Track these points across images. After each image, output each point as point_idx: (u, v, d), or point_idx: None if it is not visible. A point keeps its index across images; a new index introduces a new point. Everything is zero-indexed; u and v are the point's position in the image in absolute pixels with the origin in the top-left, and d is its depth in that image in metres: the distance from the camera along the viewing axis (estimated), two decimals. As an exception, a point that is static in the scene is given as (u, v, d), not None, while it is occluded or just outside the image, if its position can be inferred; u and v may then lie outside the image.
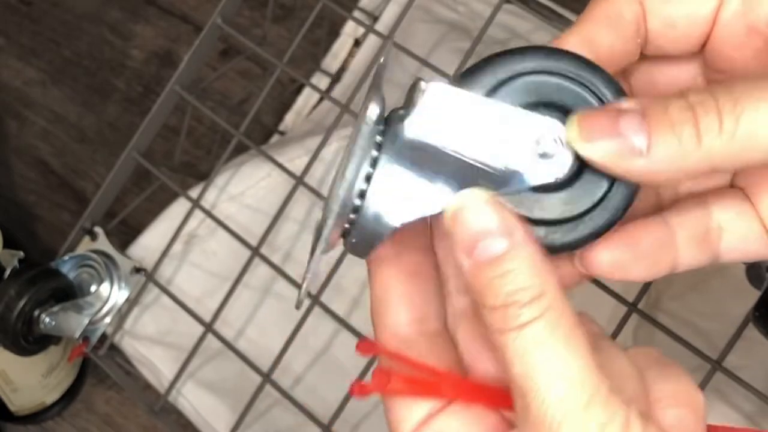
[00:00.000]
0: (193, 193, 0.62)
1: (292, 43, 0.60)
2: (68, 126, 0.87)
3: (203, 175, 0.83)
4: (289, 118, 0.82)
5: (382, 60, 0.28)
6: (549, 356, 0.25)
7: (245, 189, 0.67)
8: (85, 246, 0.63)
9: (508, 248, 0.25)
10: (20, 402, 0.72)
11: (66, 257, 0.61)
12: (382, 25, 0.77)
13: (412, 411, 0.28)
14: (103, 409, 0.75)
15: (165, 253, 0.61)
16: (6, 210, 0.83)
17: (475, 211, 0.26)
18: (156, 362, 0.62)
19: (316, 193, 0.57)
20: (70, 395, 0.74)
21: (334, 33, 0.82)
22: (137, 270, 0.61)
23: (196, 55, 0.62)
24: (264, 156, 0.60)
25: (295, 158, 0.66)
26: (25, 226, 0.82)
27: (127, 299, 0.61)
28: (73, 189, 0.84)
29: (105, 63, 0.90)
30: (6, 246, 0.63)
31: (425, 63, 0.56)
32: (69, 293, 0.60)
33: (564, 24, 0.66)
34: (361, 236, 0.28)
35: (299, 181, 0.58)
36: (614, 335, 0.49)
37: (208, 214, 0.60)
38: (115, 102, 0.88)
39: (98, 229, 0.63)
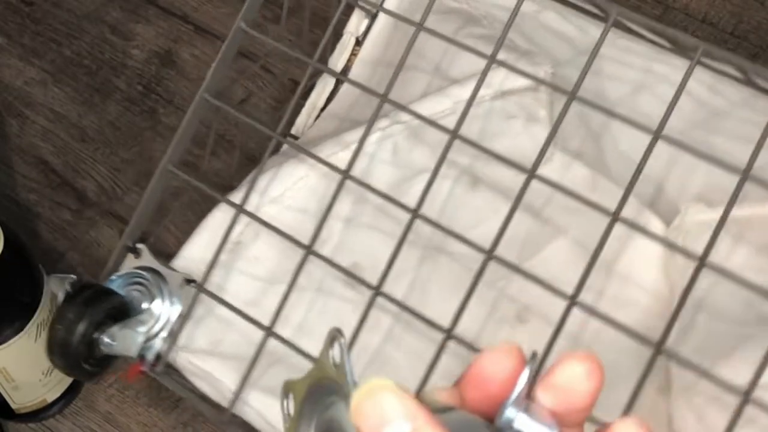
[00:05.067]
0: (234, 199, 0.61)
1: (320, 43, 0.60)
2: (69, 125, 0.87)
3: (203, 175, 0.83)
4: (300, 121, 0.82)
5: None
6: None
7: (284, 191, 0.67)
8: (129, 264, 0.62)
9: (413, 430, 0.25)
10: (21, 400, 0.72)
11: (113, 277, 0.60)
12: (382, 22, 0.77)
13: None
14: (104, 407, 0.75)
15: (214, 262, 0.60)
16: (7, 209, 0.83)
17: (377, 400, 0.26)
18: (215, 374, 0.61)
19: (364, 185, 0.57)
20: (71, 393, 0.75)
21: (336, 33, 0.82)
22: (188, 282, 0.60)
23: (223, 61, 0.62)
24: (306, 154, 0.61)
25: (332, 154, 0.66)
26: (25, 225, 0.82)
27: (180, 314, 0.60)
28: (74, 188, 0.85)
29: (106, 63, 0.90)
30: (6, 245, 0.63)
31: (454, 42, 0.57)
32: (124, 312, 0.59)
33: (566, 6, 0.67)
34: None
35: (345, 174, 0.58)
36: (643, 379, 0.48)
37: (255, 218, 0.60)
38: (115, 101, 0.88)
39: (141, 246, 0.62)
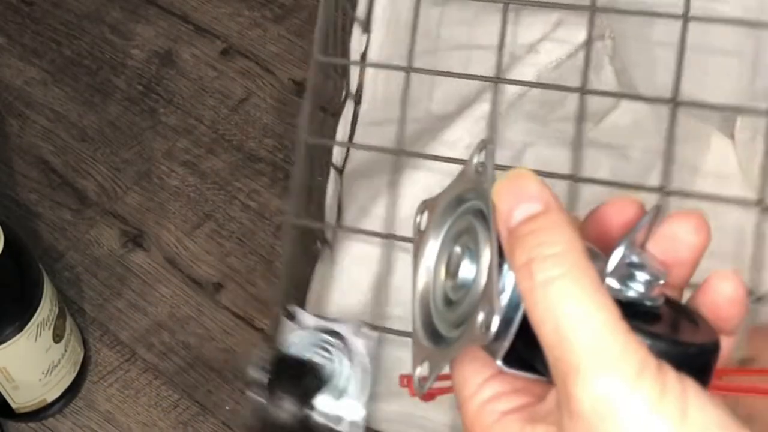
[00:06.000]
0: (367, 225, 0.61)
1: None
2: (69, 125, 0.88)
3: (203, 175, 0.83)
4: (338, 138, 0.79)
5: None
6: (576, 309, 0.26)
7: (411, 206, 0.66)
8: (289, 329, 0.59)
9: (542, 210, 0.28)
10: (21, 399, 0.72)
11: (286, 346, 0.58)
12: (378, 24, 0.76)
13: (476, 375, 0.30)
14: (104, 407, 0.75)
15: (380, 300, 0.59)
16: (7, 209, 0.83)
17: (517, 181, 0.28)
18: (422, 413, 0.60)
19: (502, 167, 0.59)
20: (71, 393, 0.75)
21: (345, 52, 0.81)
22: (366, 327, 0.58)
23: (309, 99, 0.61)
24: (435, 159, 0.61)
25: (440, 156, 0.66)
26: (26, 224, 0.83)
27: (367, 365, 0.58)
28: (74, 188, 0.85)
29: (106, 62, 0.91)
30: (6, 245, 0.63)
31: (541, 4, 0.59)
32: (321, 379, 0.57)
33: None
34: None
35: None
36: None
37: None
38: (115, 101, 0.89)
39: (296, 308, 0.59)
